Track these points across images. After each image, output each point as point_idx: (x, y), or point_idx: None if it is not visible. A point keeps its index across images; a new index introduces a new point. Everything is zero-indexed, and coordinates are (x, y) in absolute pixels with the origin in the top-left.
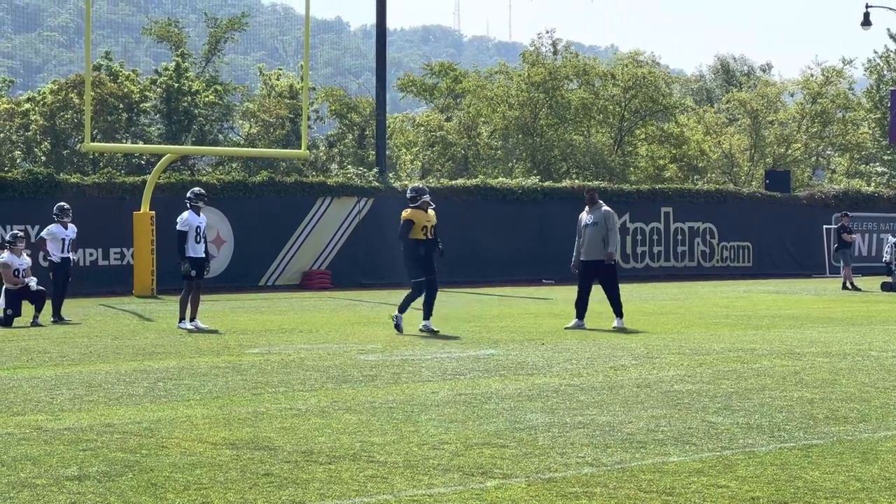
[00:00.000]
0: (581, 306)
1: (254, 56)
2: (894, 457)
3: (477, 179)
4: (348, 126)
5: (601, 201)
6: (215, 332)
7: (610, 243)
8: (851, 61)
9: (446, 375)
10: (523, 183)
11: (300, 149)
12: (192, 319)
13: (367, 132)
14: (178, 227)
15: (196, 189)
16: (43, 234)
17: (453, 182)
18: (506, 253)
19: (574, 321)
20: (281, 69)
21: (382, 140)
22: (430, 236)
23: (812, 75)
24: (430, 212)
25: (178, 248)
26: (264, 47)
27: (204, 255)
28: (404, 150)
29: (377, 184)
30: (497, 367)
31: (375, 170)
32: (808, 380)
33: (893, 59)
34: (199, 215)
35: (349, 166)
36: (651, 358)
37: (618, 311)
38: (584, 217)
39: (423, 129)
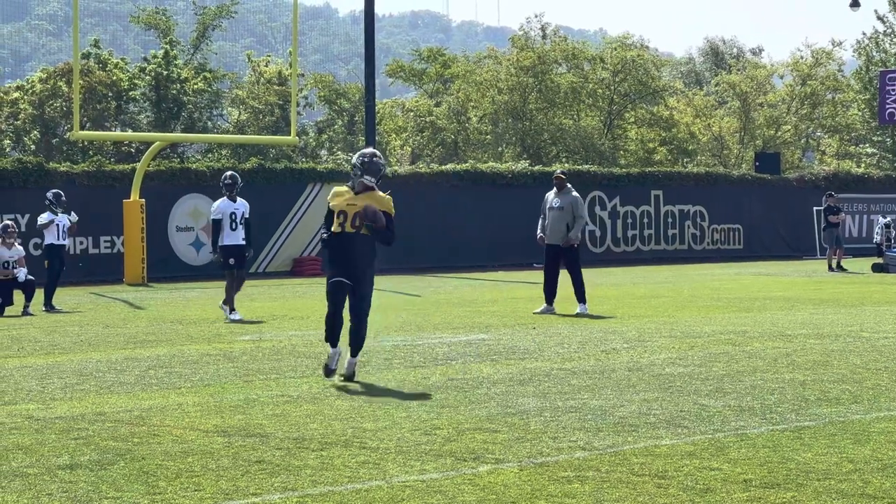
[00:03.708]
0: (549, 291)
1: (242, 43)
2: (886, 438)
3: (467, 164)
4: (338, 112)
5: (570, 186)
6: (252, 321)
7: (574, 229)
8: (841, 43)
9: (438, 361)
10: (513, 167)
11: (289, 135)
12: (230, 309)
13: (356, 118)
14: (211, 217)
15: (228, 174)
16: (42, 220)
17: (443, 167)
18: (496, 237)
19: (543, 306)
20: (269, 56)
21: (372, 126)
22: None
23: (801, 57)
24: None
25: (211, 238)
26: (253, 34)
27: (243, 243)
28: (394, 135)
29: None
30: (488, 351)
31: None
32: (800, 362)
33: (882, 41)
34: (234, 201)
35: (339, 152)
36: (642, 341)
37: (581, 297)
38: (551, 199)
39: (412, 114)
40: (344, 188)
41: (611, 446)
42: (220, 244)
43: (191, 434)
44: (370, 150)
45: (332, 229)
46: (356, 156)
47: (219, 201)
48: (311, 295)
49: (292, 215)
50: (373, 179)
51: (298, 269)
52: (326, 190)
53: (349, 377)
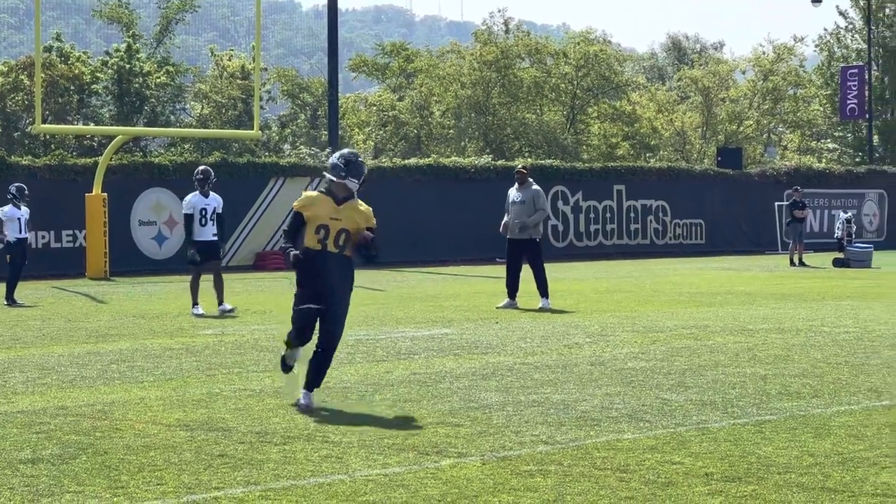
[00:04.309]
0: (512, 286)
1: (205, 37)
2: (846, 432)
3: (430, 159)
4: (301, 106)
5: (532, 180)
6: (216, 316)
7: (534, 217)
8: (802, 38)
9: (400, 355)
10: (476, 162)
11: (252, 129)
12: (219, 304)
13: (319, 112)
14: (183, 211)
15: (201, 168)
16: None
17: (406, 161)
18: (459, 232)
19: (506, 300)
20: (232, 50)
21: (335, 120)
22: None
23: (763, 52)
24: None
25: (185, 232)
26: (216, 28)
27: (214, 238)
28: (357, 129)
29: None
30: (451, 346)
31: (328, 150)
32: (761, 356)
33: (843, 36)
34: (206, 196)
35: (302, 147)
36: (605, 336)
37: (543, 292)
38: (513, 194)
39: (375, 108)
40: (319, 195)
41: (573, 440)
42: (192, 239)
43: (153, 428)
44: (350, 150)
45: (309, 245)
46: (336, 156)
47: (190, 196)
48: (274, 289)
49: (255, 209)
50: (357, 183)
51: (261, 263)
52: (290, 184)
53: (306, 409)
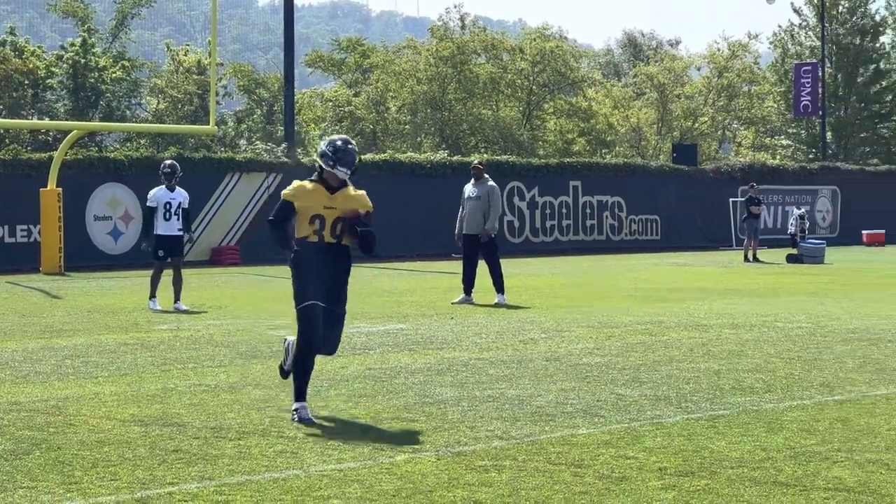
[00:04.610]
0: (468, 281)
1: (161, 32)
2: (798, 426)
3: (385, 154)
4: (257, 102)
5: (487, 176)
6: (198, 312)
7: (490, 219)
8: (757, 36)
9: (356, 350)
10: (432, 157)
11: (208, 125)
12: (175, 301)
13: (275, 108)
14: (147, 204)
15: (167, 162)
16: None
17: (362, 157)
18: (415, 227)
19: (461, 296)
20: (188, 45)
21: (291, 116)
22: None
23: (718, 49)
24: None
25: (143, 224)
26: (172, 23)
27: (178, 233)
28: (313, 125)
29: (286, 159)
30: (406, 341)
31: (284, 145)
32: (715, 351)
33: (798, 34)
34: (172, 191)
35: (258, 142)
36: (560, 331)
37: (499, 288)
38: (469, 190)
39: (331, 104)
40: (310, 184)
41: (528, 435)
42: (154, 233)
43: (107, 423)
44: (341, 137)
45: (303, 236)
46: (324, 143)
47: (155, 189)
48: (230, 284)
49: (211, 205)
50: (348, 172)
51: (217, 258)
52: (246, 179)
53: (309, 422)
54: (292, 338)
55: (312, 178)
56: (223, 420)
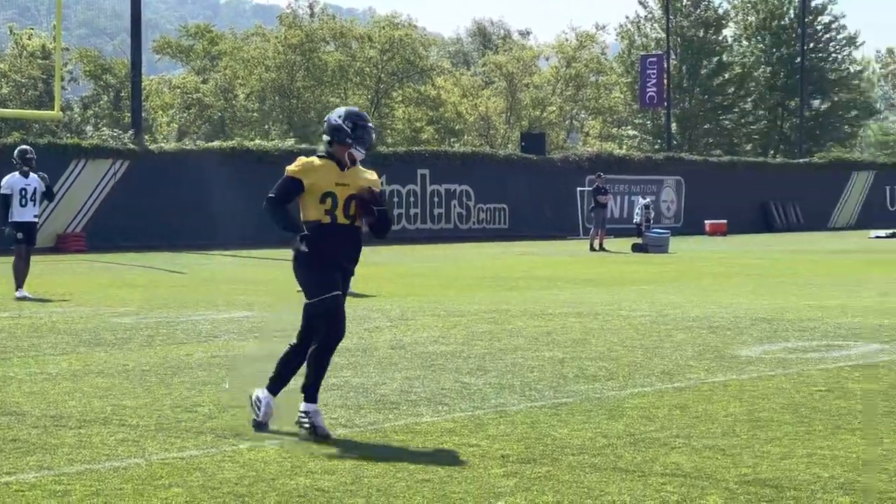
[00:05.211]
0: None
1: (4, 15)
2: (639, 413)
3: (233, 141)
4: (103, 88)
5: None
6: (41, 300)
7: None
8: (604, 27)
9: (201, 338)
10: (280, 145)
11: (53, 110)
12: (17, 286)
13: (122, 94)
14: (0, 191)
15: (20, 148)
16: None
17: (210, 144)
18: (262, 216)
19: None
20: (32, 29)
21: (138, 102)
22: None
23: (566, 40)
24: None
25: (0, 213)
26: (15, 6)
27: (34, 220)
28: (161, 112)
29: (133, 146)
30: (252, 329)
31: (131, 132)
32: (560, 340)
33: (644, 25)
34: (26, 177)
35: (104, 128)
36: (406, 320)
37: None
38: None
39: (179, 91)
40: (319, 159)
41: (372, 423)
42: (10, 220)
43: None
44: (358, 111)
45: (314, 219)
46: (340, 117)
47: (9, 176)
48: (74, 271)
49: (56, 191)
50: (364, 153)
51: (62, 245)
52: (91, 166)
53: (325, 434)
54: (261, 392)
55: (319, 153)
56: (63, 408)
